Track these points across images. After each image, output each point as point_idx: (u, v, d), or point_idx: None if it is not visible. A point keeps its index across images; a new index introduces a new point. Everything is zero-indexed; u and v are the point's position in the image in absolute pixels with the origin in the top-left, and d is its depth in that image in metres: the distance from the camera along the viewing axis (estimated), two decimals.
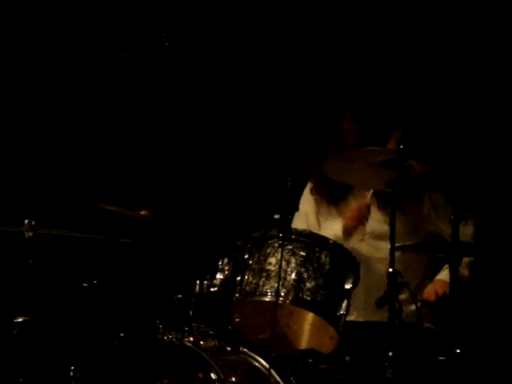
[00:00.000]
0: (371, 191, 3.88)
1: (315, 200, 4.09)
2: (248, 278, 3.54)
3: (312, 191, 4.10)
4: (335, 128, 4.08)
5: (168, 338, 3.49)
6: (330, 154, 3.93)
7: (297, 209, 4.11)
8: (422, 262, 3.98)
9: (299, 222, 4.02)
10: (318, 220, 4.09)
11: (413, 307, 3.60)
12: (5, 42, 5.00)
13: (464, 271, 3.82)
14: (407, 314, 3.58)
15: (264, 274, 3.51)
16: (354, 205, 3.91)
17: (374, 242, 3.94)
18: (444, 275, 3.91)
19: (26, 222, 3.85)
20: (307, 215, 4.10)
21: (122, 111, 5.00)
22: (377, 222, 3.92)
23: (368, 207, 3.84)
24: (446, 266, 3.90)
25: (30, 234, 3.83)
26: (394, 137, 3.92)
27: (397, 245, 3.41)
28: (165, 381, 3.40)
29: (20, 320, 3.82)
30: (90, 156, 4.99)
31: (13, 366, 3.94)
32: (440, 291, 3.79)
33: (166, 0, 5.01)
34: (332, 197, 4.02)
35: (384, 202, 3.76)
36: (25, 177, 4.55)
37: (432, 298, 3.79)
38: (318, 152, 4.06)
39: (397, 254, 3.42)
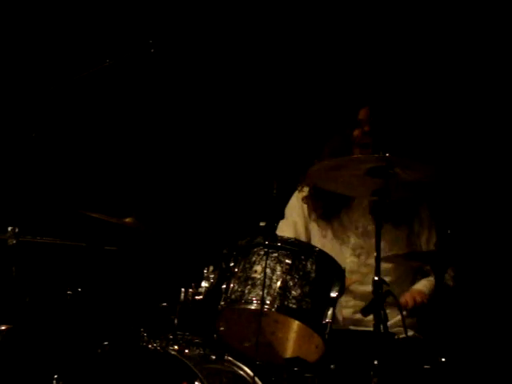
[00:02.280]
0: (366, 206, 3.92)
1: (306, 210, 4.09)
2: (233, 285, 3.52)
3: (303, 200, 4.10)
4: (334, 134, 4.08)
5: (152, 346, 3.48)
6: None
7: (282, 216, 4.11)
8: (409, 277, 4.00)
9: (287, 230, 4.02)
10: (306, 230, 4.09)
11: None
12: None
13: (449, 283, 3.84)
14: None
15: (249, 282, 3.49)
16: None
17: (363, 257, 3.97)
18: (421, 285, 3.95)
19: (10, 229, 3.82)
20: (295, 224, 4.10)
21: (107, 118, 4.99)
22: (369, 237, 3.94)
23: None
24: (424, 279, 3.96)
25: (14, 242, 3.80)
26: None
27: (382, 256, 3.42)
28: None
29: (3, 328, 3.79)
30: (75, 163, 4.96)
31: None
32: (418, 299, 3.81)
33: (154, 5, 4.99)
34: (325, 211, 4.03)
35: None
36: (8, 184, 4.52)
37: (409, 305, 3.80)
38: (314, 157, 4.04)
39: (386, 266, 3.43)
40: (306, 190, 4.10)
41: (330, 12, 4.87)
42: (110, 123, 4.99)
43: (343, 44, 4.85)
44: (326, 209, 4.03)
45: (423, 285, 3.96)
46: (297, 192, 4.16)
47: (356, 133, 4.01)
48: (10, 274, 3.85)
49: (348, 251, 4.02)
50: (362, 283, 3.93)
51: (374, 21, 4.82)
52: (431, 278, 3.88)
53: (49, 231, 4.13)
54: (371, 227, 3.95)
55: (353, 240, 4.03)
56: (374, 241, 3.42)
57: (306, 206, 4.10)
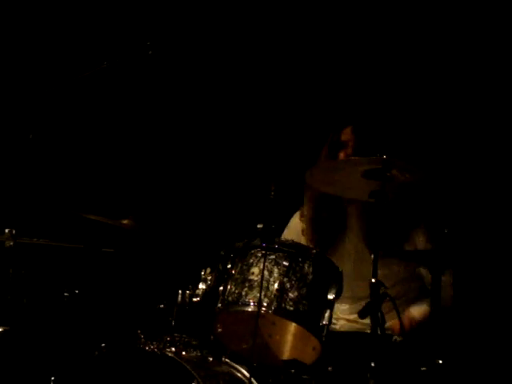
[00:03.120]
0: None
1: (303, 239, 4.09)
2: (231, 287, 3.52)
3: (303, 232, 4.11)
4: (330, 137, 4.09)
5: (149, 348, 3.48)
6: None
7: (280, 219, 4.11)
8: (405, 285, 4.00)
9: None
10: None
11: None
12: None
13: (450, 292, 3.84)
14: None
15: (247, 284, 3.49)
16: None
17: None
18: (415, 310, 3.93)
19: (7, 231, 3.82)
20: (290, 230, 4.10)
21: (104, 119, 4.99)
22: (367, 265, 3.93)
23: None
24: (422, 302, 3.93)
25: (11, 243, 3.80)
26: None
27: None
28: None
29: (0, 330, 3.78)
30: (72, 165, 4.96)
31: None
32: (406, 326, 3.79)
33: (152, 6, 4.99)
34: (321, 243, 4.02)
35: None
36: (5, 185, 4.52)
37: (396, 331, 3.80)
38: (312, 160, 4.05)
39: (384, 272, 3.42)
40: (304, 222, 4.10)
41: (319, 21, 4.88)
42: (107, 125, 4.99)
43: (333, 48, 4.86)
44: (321, 240, 4.03)
45: (417, 310, 3.92)
46: (295, 217, 4.17)
47: (342, 155, 4.02)
48: (7, 276, 3.85)
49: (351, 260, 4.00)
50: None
51: (362, 23, 4.83)
52: (426, 303, 3.88)
53: (46, 233, 4.12)
54: (367, 256, 3.90)
55: (348, 266, 3.97)
56: (367, 268, 3.41)
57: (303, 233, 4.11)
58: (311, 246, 3.99)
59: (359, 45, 4.81)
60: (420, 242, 3.99)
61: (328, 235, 4.03)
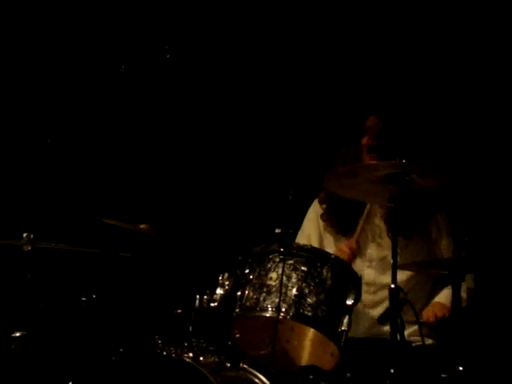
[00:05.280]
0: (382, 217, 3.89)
1: (322, 225, 4.07)
2: (248, 293, 3.51)
3: (322, 216, 4.08)
4: (349, 142, 4.07)
5: (167, 353, 3.46)
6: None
7: (298, 223, 4.09)
8: (427, 286, 3.97)
9: (301, 241, 4.00)
10: (320, 245, 4.07)
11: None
12: (5, 52, 4.98)
13: (463, 295, 3.80)
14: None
15: (265, 289, 3.48)
16: (342, 247, 3.93)
17: (380, 268, 3.94)
18: (443, 298, 3.90)
19: (25, 235, 3.82)
20: (309, 237, 4.08)
21: (122, 124, 4.98)
22: (386, 248, 3.91)
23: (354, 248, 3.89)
24: (445, 289, 3.90)
25: (29, 248, 3.79)
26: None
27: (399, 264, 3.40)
28: None
29: (18, 335, 3.78)
30: (90, 169, 4.96)
31: (10, 381, 3.90)
32: (439, 314, 3.77)
33: (167, 10, 4.99)
34: (341, 227, 4.01)
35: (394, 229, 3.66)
36: (24, 190, 4.52)
37: (431, 320, 3.77)
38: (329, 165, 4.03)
39: (403, 277, 3.37)
40: (323, 206, 4.08)
41: (340, 20, 4.86)
42: (125, 129, 4.99)
43: (352, 50, 4.83)
44: (341, 224, 4.01)
45: (445, 297, 3.88)
46: (313, 205, 4.15)
47: (364, 140, 4.00)
48: (24, 281, 3.84)
49: (364, 263, 3.98)
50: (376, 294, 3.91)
51: (382, 26, 4.80)
52: (447, 288, 3.85)
53: (63, 238, 4.12)
54: (387, 239, 3.93)
55: (369, 252, 3.99)
56: (390, 252, 3.40)
57: (322, 222, 4.08)
58: (329, 230, 4.00)
59: (379, 47, 4.79)
60: (442, 224, 3.96)
61: (347, 219, 3.99)
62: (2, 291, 4.61)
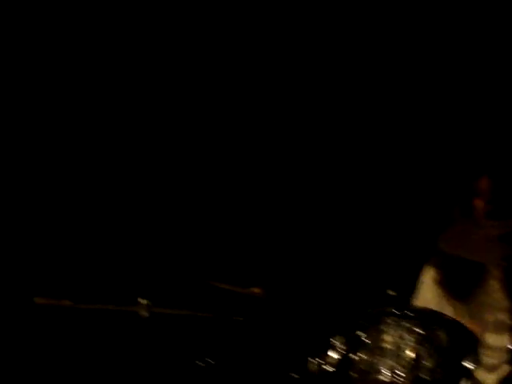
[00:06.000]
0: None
1: (438, 289, 4.01)
2: (362, 355, 3.47)
3: (437, 281, 4.02)
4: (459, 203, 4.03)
5: None
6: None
7: (411, 285, 4.04)
8: None
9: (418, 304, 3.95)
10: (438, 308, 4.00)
11: None
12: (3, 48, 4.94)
13: None
14: None
15: (379, 352, 3.44)
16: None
17: (498, 331, 3.85)
18: None
19: (142, 301, 3.88)
20: (426, 301, 4.03)
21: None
22: (504, 311, 3.84)
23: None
24: None
25: (146, 314, 3.85)
26: None
27: None
28: None
29: None
30: (203, 234, 5.01)
31: None
32: None
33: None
34: (457, 290, 3.94)
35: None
36: (138, 256, 4.60)
37: None
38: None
39: None
40: (438, 271, 4.02)
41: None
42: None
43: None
44: (458, 287, 3.94)
45: None
46: (427, 268, 4.09)
47: (479, 204, 3.94)
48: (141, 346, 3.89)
49: (482, 326, 3.89)
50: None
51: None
52: None
53: (177, 302, 4.16)
54: (504, 301, 3.82)
55: (486, 315, 3.89)
56: (507, 315, 3.33)
57: (438, 286, 4.02)
58: (447, 296, 3.92)
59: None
60: None
61: (464, 282, 3.92)
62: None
